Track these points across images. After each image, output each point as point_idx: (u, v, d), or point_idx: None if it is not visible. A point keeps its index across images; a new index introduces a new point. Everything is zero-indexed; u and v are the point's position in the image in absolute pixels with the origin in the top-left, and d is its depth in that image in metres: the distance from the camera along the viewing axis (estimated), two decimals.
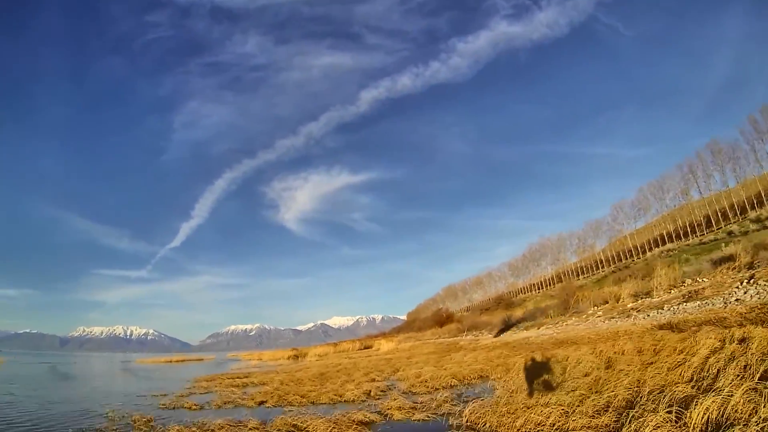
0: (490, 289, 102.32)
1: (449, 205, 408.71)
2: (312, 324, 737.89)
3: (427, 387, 12.39)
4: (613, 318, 24.04)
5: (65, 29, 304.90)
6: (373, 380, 14.82)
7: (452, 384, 12.66)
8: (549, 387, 8.44)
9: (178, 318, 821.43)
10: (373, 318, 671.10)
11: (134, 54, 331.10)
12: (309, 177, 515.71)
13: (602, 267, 66.98)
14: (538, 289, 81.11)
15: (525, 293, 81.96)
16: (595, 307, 31.61)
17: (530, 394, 7.91)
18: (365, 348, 50.12)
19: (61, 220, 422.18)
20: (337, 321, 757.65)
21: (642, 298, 27.66)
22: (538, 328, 29.07)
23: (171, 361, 54.13)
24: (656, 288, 26.15)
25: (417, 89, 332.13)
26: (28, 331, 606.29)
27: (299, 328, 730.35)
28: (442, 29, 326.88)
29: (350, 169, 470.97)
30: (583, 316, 28.97)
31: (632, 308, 25.67)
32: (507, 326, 31.91)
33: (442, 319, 72.04)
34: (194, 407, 11.70)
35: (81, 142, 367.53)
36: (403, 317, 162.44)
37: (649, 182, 62.50)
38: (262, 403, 11.90)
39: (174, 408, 11.89)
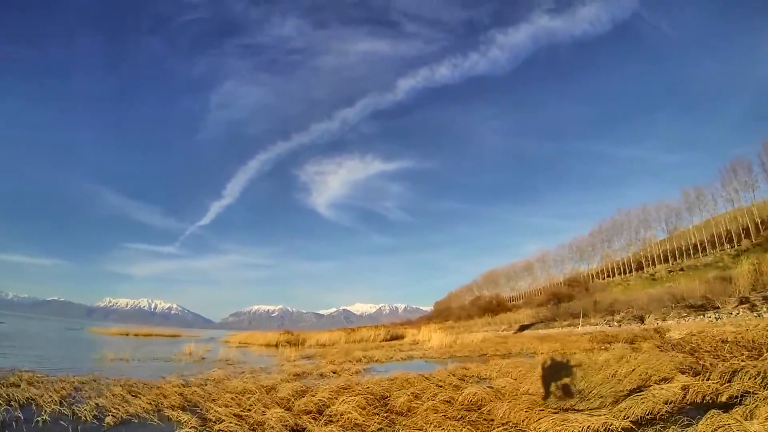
0: (540, 276, 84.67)
1: (481, 198, 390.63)
2: (335, 309, 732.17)
3: None
4: None
5: (103, 8, 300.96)
6: None
7: None
8: None
9: (202, 294, 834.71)
10: (395, 307, 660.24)
11: (171, 34, 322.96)
12: (343, 162, 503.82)
13: (717, 247, 48.03)
14: (614, 274, 62.55)
15: (599, 279, 63.37)
16: None
17: None
18: (393, 339, 33.84)
19: (96, 194, 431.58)
20: (360, 308, 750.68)
21: None
22: None
23: (128, 334, 39.88)
24: None
25: (455, 80, 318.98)
26: (56, 298, 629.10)
27: (322, 312, 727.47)
28: (482, 20, 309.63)
29: (384, 156, 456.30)
30: None
31: None
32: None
33: (493, 307, 56.22)
34: None
35: (118, 119, 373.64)
36: (427, 308, 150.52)
37: None
38: None
39: None
